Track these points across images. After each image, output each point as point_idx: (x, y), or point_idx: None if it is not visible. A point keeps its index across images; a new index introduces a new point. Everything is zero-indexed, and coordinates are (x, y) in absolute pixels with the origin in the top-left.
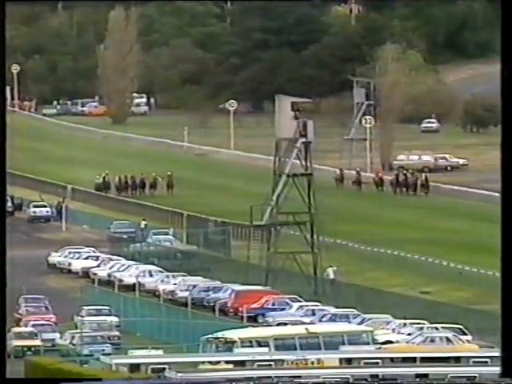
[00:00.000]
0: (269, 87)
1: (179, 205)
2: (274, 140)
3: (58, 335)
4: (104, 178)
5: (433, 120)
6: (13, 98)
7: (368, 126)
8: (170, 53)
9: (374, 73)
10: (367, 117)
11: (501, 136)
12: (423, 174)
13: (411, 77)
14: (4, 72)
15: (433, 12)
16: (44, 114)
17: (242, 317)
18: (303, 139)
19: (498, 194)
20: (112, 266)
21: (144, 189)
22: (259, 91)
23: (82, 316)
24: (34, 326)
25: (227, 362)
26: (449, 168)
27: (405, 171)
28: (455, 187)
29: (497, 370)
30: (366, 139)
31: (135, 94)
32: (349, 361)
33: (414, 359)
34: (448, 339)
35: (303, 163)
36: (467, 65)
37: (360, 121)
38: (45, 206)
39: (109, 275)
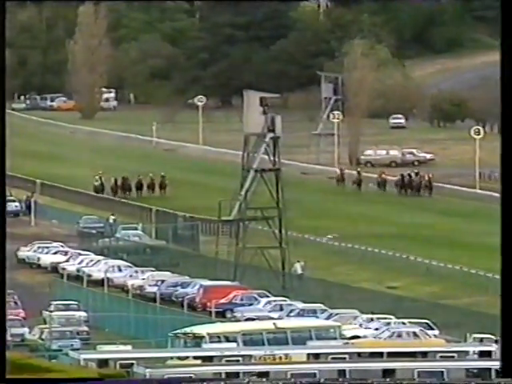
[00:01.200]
0: (237, 82)
1: (146, 200)
2: (243, 135)
3: (26, 330)
4: (101, 182)
5: (400, 116)
6: None
7: (336, 120)
8: (139, 48)
9: (342, 68)
10: (335, 112)
11: (501, 136)
12: (426, 175)
13: (379, 72)
14: (4, 72)
15: (401, 7)
16: (13, 109)
17: (211, 312)
18: (271, 134)
19: (464, 189)
20: (81, 261)
21: (130, 191)
22: (228, 86)
23: (51, 311)
24: None
25: (195, 358)
26: (416, 163)
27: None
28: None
29: (463, 364)
30: (333, 134)
31: (104, 89)
32: (316, 356)
33: (381, 354)
34: (415, 334)
35: (271, 158)
36: (434, 60)
37: (328, 116)
38: (13, 201)
39: (77, 270)
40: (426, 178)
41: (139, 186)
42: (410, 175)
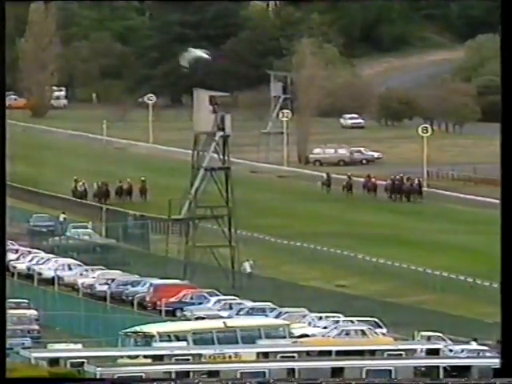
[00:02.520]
0: (188, 81)
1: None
2: (193, 134)
3: None
4: (85, 188)
5: (356, 115)
6: None
7: (285, 119)
8: (90, 46)
9: (291, 66)
10: (284, 110)
11: (501, 136)
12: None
13: (328, 70)
14: (4, 72)
15: (349, 6)
16: None
17: (161, 311)
18: (221, 133)
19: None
20: (31, 259)
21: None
22: (178, 85)
23: None
24: None
25: (146, 357)
26: (364, 161)
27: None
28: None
29: (412, 362)
30: (282, 133)
31: (55, 87)
32: (266, 355)
33: (329, 353)
34: (363, 332)
35: (221, 157)
36: (382, 58)
37: (277, 114)
38: None
39: (28, 268)
40: (416, 181)
41: (120, 191)
42: (400, 180)
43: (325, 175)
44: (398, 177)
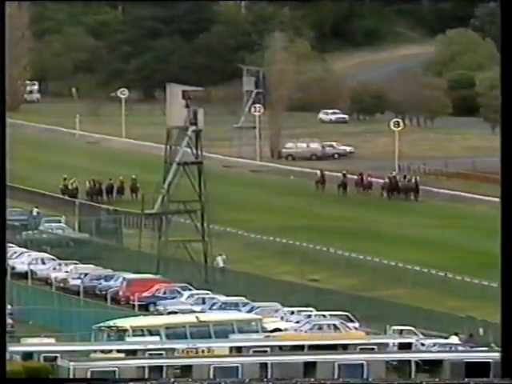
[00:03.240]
0: (160, 75)
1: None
2: (165, 128)
3: None
4: (77, 187)
5: (338, 110)
6: None
7: (257, 114)
8: (63, 40)
9: (263, 61)
10: (256, 105)
11: (501, 136)
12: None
13: (299, 65)
14: (4, 72)
15: (320, 1)
16: None
17: (134, 305)
18: (194, 127)
19: (381, 181)
20: None
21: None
22: (151, 79)
23: None
24: None
25: (119, 351)
26: (336, 156)
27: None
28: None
29: (384, 357)
30: (255, 127)
31: (28, 82)
32: (238, 349)
33: (302, 347)
34: (335, 326)
35: (194, 151)
36: (354, 53)
37: (249, 109)
38: None
39: None
40: (413, 180)
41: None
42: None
43: (319, 173)
44: (393, 175)
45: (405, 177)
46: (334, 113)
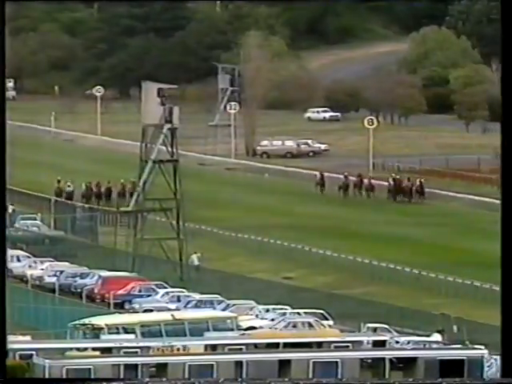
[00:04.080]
0: (136, 73)
1: (43, 190)
2: (141, 126)
3: None
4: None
5: (328, 109)
6: None
7: (232, 111)
8: (38, 38)
9: (239, 59)
10: (232, 103)
11: (501, 136)
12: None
13: (274, 63)
14: (4, 72)
15: None
16: None
17: (109, 303)
18: (169, 125)
19: (354, 179)
20: None
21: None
22: (126, 77)
23: None
24: None
25: (94, 349)
26: (311, 154)
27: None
28: (316, 172)
29: (358, 354)
30: (230, 125)
31: None
32: (214, 347)
33: (277, 345)
34: (310, 324)
35: (169, 149)
36: (329, 50)
37: (225, 107)
38: None
39: None
40: (418, 183)
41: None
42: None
43: (318, 174)
44: (397, 177)
45: (409, 179)
46: (325, 111)
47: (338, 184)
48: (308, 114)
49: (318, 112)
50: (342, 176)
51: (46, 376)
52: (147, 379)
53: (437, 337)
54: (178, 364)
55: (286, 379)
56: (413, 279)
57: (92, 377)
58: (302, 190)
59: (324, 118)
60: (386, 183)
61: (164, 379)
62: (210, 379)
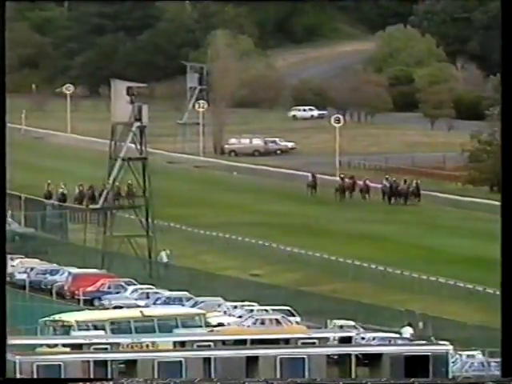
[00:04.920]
0: (105, 72)
1: (15, 187)
2: (110, 124)
3: None
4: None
5: (313, 107)
6: None
7: (201, 110)
8: (8, 36)
9: (207, 58)
10: (200, 101)
11: (501, 136)
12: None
13: (242, 62)
14: (4, 71)
15: None
16: None
17: (79, 300)
18: (138, 123)
19: (325, 177)
20: None
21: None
22: (96, 76)
23: None
24: None
25: (64, 345)
26: (278, 152)
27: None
28: (284, 170)
29: (325, 350)
30: (198, 123)
31: None
32: (182, 344)
33: (244, 341)
34: (277, 321)
35: (138, 147)
36: (296, 49)
37: (193, 105)
38: None
39: None
40: (414, 184)
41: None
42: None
43: (310, 176)
44: (393, 179)
45: (405, 181)
46: (311, 109)
47: (307, 183)
48: (293, 113)
49: (304, 110)
50: (309, 174)
51: (17, 372)
52: (123, 379)
53: (408, 330)
54: (147, 360)
55: (261, 379)
56: (379, 276)
57: (62, 373)
58: (270, 188)
59: (312, 116)
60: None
61: (140, 379)
62: (184, 379)
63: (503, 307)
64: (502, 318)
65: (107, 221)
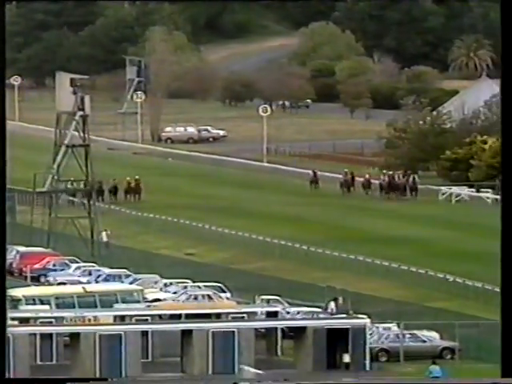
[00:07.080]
0: (50, 64)
1: None
2: (55, 113)
3: None
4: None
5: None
6: None
7: (139, 100)
8: None
9: (144, 52)
10: (138, 92)
11: (501, 136)
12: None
13: (177, 56)
14: (4, 71)
15: None
16: None
17: (26, 276)
18: (81, 113)
19: (254, 162)
20: None
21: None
22: (41, 68)
23: None
24: None
25: (13, 319)
26: (211, 139)
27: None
28: (216, 156)
29: (253, 324)
30: (137, 113)
31: None
32: (122, 318)
33: (179, 316)
34: (209, 297)
35: (81, 135)
36: (226, 44)
37: (132, 96)
38: None
39: None
40: (411, 178)
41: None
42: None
43: (311, 173)
44: (391, 173)
45: (404, 175)
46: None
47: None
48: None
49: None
50: (242, 160)
51: None
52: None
53: (332, 305)
54: (89, 333)
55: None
56: (302, 255)
57: (10, 346)
58: (203, 173)
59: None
60: (283, 166)
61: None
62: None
63: (503, 306)
64: (502, 318)
65: (52, 203)
